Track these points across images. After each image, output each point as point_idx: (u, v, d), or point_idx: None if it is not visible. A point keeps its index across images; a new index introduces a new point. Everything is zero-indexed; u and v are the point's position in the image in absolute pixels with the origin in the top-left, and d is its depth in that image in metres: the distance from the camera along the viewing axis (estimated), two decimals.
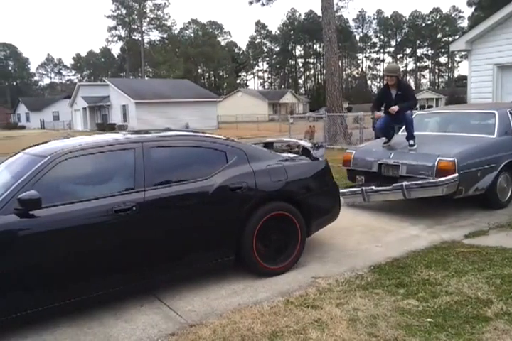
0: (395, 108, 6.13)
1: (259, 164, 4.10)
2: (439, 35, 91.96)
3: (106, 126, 37.60)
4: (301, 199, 4.26)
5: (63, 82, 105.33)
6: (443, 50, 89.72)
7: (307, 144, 4.85)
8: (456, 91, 57.55)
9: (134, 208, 3.39)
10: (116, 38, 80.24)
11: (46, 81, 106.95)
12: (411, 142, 6.24)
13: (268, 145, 5.13)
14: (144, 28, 76.78)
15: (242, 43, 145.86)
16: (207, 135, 4.27)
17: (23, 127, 59.14)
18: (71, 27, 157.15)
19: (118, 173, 3.65)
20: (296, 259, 4.22)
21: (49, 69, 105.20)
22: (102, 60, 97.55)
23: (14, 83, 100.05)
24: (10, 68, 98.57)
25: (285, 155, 4.61)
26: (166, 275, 3.68)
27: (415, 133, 6.32)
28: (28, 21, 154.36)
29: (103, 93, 41.63)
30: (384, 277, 3.87)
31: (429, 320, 3.07)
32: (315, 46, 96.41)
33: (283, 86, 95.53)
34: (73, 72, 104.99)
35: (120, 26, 78.33)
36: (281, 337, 2.96)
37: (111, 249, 3.36)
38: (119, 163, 3.64)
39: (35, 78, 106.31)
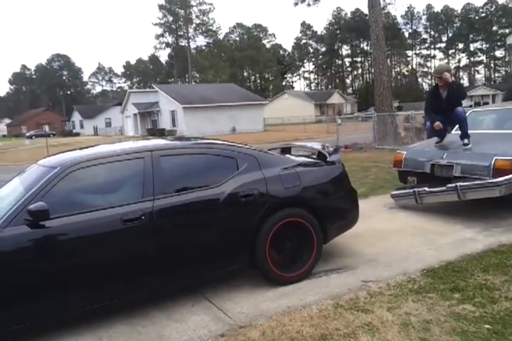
0: (448, 76, 5.94)
1: (271, 170, 4.02)
2: (495, 28, 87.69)
3: (156, 132, 38.65)
4: (316, 206, 4.13)
5: (114, 89, 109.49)
6: (499, 44, 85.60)
7: (322, 149, 4.67)
8: None
9: (143, 217, 3.40)
10: (163, 45, 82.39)
11: (98, 89, 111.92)
12: (465, 141, 6.01)
13: (285, 150, 5.05)
14: (190, 34, 78.41)
15: (288, 45, 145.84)
16: (218, 142, 4.23)
17: (77, 134, 61.83)
18: (120, 36, 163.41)
19: (127, 183, 3.68)
20: (312, 266, 4.09)
21: (100, 78, 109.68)
22: (151, 67, 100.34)
23: (68, 92, 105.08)
24: (64, 78, 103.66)
25: (300, 160, 4.50)
26: (175, 284, 3.64)
27: (470, 131, 6.08)
28: (80, 32, 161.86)
29: (152, 99, 42.85)
30: (438, 281, 3.74)
31: (487, 326, 2.94)
32: (362, 45, 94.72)
33: (330, 86, 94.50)
34: (123, 79, 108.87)
35: (167, 33, 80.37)
36: (331, 340, 2.93)
37: (120, 258, 3.38)
38: (129, 173, 3.67)
39: (88, 86, 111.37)
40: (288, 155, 4.72)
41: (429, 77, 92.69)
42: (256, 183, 3.88)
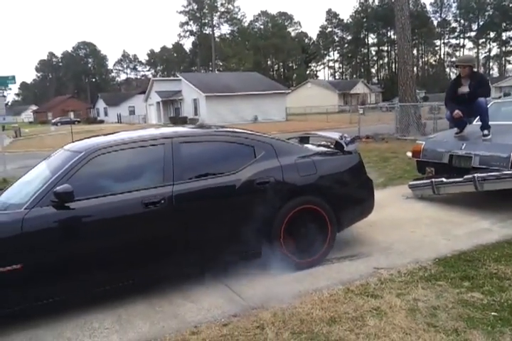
0: (460, 113, 5.96)
1: (287, 158, 4.11)
2: None
3: (178, 120, 38.96)
4: (332, 194, 4.21)
5: (138, 77, 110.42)
6: None
7: (340, 139, 4.70)
8: None
9: (162, 201, 3.53)
10: (188, 33, 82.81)
11: (122, 77, 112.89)
12: (485, 132, 5.95)
13: (304, 139, 5.10)
14: (214, 22, 78.60)
15: (313, 33, 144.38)
16: (236, 130, 4.33)
17: (101, 121, 62.81)
18: (145, 24, 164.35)
19: (148, 168, 3.81)
20: (325, 253, 4.17)
21: (125, 66, 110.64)
22: (175, 55, 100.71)
23: (93, 79, 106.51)
24: (89, 65, 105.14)
25: (317, 149, 4.57)
26: (192, 266, 3.78)
27: (490, 122, 6.01)
28: (106, 20, 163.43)
29: (175, 87, 43.09)
30: (449, 269, 3.79)
31: (493, 313, 3.00)
32: (389, 33, 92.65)
33: (354, 75, 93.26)
34: (147, 67, 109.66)
35: (192, 21, 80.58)
36: (339, 322, 3.03)
37: (140, 240, 3.52)
38: (149, 158, 3.80)
39: (113, 74, 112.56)
40: (306, 145, 4.79)
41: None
42: (272, 171, 3.98)
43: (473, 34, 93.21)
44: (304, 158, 4.22)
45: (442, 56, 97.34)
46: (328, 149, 4.71)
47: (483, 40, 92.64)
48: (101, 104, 68.10)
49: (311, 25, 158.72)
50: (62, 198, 3.25)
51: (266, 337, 2.92)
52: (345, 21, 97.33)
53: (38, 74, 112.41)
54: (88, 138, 4.29)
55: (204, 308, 3.46)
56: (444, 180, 5.78)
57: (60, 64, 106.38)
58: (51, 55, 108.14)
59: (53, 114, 69.81)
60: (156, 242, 3.59)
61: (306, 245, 4.12)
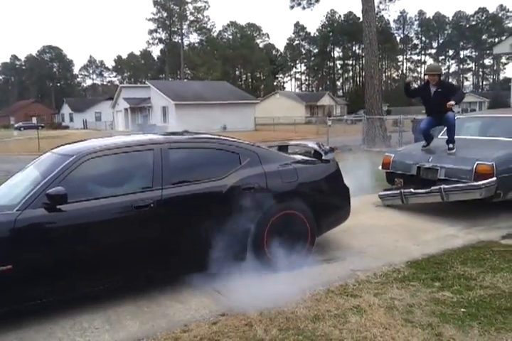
0: (453, 102, 6.13)
1: (270, 166, 4.34)
2: (484, 37, 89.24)
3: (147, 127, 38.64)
4: (312, 200, 4.46)
5: (104, 83, 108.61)
6: (488, 52, 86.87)
7: (318, 147, 4.99)
8: (500, 95, 55.69)
9: (152, 205, 3.68)
10: (156, 40, 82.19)
11: (88, 82, 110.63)
12: (450, 146, 6.34)
13: (282, 148, 5.37)
14: (183, 31, 78.40)
15: (280, 45, 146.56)
16: (222, 137, 4.53)
17: (66, 127, 61.36)
18: (113, 30, 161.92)
19: (138, 172, 3.95)
20: (305, 256, 4.37)
21: (91, 71, 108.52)
22: (142, 62, 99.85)
23: (58, 84, 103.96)
24: (54, 70, 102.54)
25: (297, 157, 4.85)
26: (179, 269, 3.94)
27: (455, 137, 6.41)
28: (73, 24, 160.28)
29: (144, 95, 42.81)
30: (420, 271, 4.09)
31: (462, 310, 3.29)
32: (354, 48, 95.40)
33: (320, 88, 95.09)
34: (114, 73, 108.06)
35: (161, 29, 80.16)
36: (323, 319, 3.24)
37: (129, 242, 3.64)
38: (139, 163, 3.93)
39: (78, 79, 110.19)
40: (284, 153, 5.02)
41: (419, 82, 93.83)
42: (257, 177, 4.19)
43: (433, 51, 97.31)
44: (285, 166, 4.45)
45: (405, 71, 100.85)
46: (308, 158, 4.95)
47: (443, 57, 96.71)
48: (66, 110, 66.64)
49: (278, 37, 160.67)
50: (55, 200, 3.33)
51: (255, 333, 3.09)
52: (312, 35, 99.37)
53: (0, 78, 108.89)
54: (77, 142, 4.38)
55: (192, 308, 3.59)
56: (412, 190, 6.13)
57: (24, 67, 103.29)
58: (14, 57, 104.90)
59: (16, 119, 67.16)
60: (144, 245, 3.71)
61: (288, 248, 4.30)
